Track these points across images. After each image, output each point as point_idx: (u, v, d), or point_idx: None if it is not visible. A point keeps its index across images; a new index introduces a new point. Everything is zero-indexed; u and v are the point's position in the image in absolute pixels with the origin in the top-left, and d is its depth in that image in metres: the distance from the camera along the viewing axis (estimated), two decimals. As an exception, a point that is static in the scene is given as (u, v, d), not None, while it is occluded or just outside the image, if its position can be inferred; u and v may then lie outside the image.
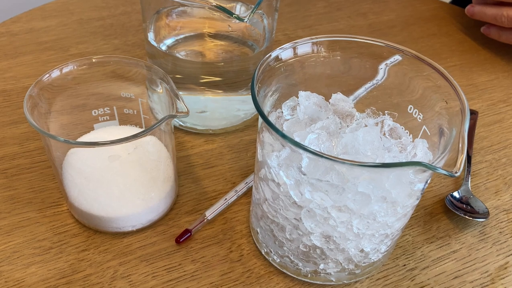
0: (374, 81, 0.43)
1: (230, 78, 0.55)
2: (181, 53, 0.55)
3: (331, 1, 0.81)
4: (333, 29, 0.76)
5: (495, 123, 0.61)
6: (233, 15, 0.44)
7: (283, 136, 0.33)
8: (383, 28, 0.77)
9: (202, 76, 0.54)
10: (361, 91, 0.45)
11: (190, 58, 0.56)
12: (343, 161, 0.31)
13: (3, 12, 0.91)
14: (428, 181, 0.38)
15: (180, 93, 0.53)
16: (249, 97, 0.57)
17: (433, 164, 0.34)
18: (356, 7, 0.81)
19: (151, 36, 0.54)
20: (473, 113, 0.61)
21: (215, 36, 0.57)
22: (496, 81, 0.68)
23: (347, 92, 0.44)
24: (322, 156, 0.31)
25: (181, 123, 0.57)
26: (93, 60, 0.44)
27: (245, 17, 0.44)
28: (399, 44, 0.74)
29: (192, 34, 0.57)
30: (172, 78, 0.53)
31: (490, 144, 0.58)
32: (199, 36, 0.57)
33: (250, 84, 0.55)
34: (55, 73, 0.43)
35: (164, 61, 0.54)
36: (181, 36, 0.56)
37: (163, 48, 0.54)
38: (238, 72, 0.55)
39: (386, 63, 0.42)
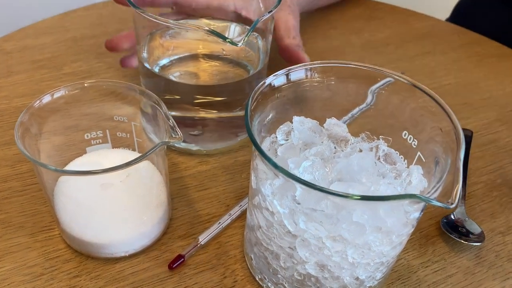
0: (365, 105, 0.43)
1: (225, 99, 0.54)
2: (175, 75, 0.55)
3: (326, 18, 0.81)
4: (328, 46, 0.76)
5: (490, 143, 0.61)
6: (227, 40, 0.43)
7: (275, 166, 0.33)
8: (378, 46, 0.77)
9: (197, 97, 0.53)
10: (353, 114, 0.45)
11: (184, 79, 0.55)
12: (336, 194, 0.31)
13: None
14: (424, 209, 0.37)
15: (174, 113, 0.53)
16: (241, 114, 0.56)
17: (429, 193, 0.34)
18: (351, 24, 0.81)
19: (144, 57, 0.53)
20: (468, 133, 0.61)
21: (210, 56, 0.57)
22: (491, 100, 0.68)
23: (341, 116, 0.44)
24: (315, 188, 0.31)
25: (176, 144, 0.57)
26: (85, 85, 0.44)
27: (239, 41, 0.43)
28: (394, 62, 0.75)
29: (186, 54, 0.57)
30: (166, 99, 0.53)
31: (485, 165, 0.58)
32: (194, 57, 0.57)
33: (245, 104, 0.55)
34: (46, 99, 0.42)
35: (158, 82, 0.54)
36: (175, 57, 0.56)
37: (156, 69, 0.54)
38: (233, 93, 0.54)
39: (379, 88, 0.42)
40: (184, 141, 0.56)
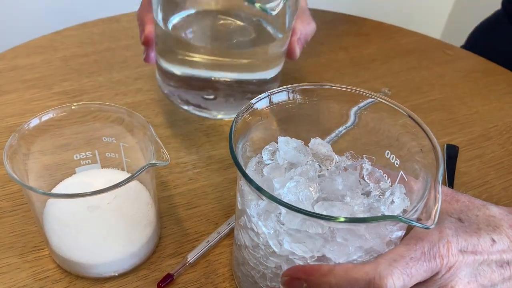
0: (348, 125, 0.44)
1: (243, 61, 0.52)
2: (189, 34, 0.52)
3: (314, 33, 0.82)
4: (316, 63, 0.77)
5: (475, 158, 0.62)
6: (256, 4, 0.39)
7: (259, 188, 0.33)
8: (364, 62, 0.78)
9: (212, 58, 0.51)
10: (336, 135, 0.46)
11: (200, 39, 0.52)
12: (319, 216, 0.32)
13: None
14: (406, 228, 0.38)
15: (189, 71, 0.51)
16: (261, 79, 0.54)
17: (410, 213, 0.35)
18: (338, 41, 0.82)
19: (159, 16, 0.51)
20: (454, 149, 0.62)
21: (229, 14, 0.54)
22: (476, 115, 0.69)
23: (325, 136, 0.45)
24: (296, 211, 0.32)
25: (186, 107, 0.54)
26: (73, 108, 0.44)
27: (273, 9, 0.39)
28: (380, 78, 0.76)
29: (203, 9, 0.54)
30: (181, 59, 0.50)
31: (471, 180, 0.59)
32: (210, 14, 0.54)
33: (265, 67, 0.52)
34: (34, 122, 0.43)
35: (173, 43, 0.52)
36: (192, 12, 0.53)
37: (170, 27, 0.52)
38: (252, 56, 0.52)
39: (362, 109, 0.42)
40: (199, 106, 0.54)
